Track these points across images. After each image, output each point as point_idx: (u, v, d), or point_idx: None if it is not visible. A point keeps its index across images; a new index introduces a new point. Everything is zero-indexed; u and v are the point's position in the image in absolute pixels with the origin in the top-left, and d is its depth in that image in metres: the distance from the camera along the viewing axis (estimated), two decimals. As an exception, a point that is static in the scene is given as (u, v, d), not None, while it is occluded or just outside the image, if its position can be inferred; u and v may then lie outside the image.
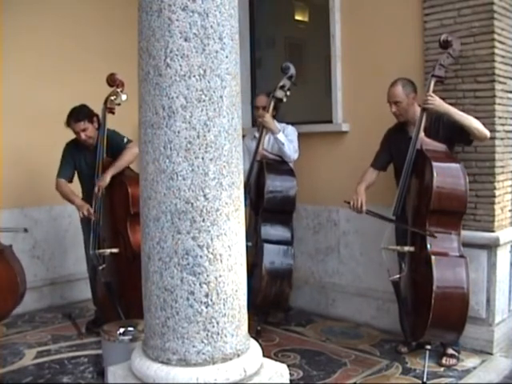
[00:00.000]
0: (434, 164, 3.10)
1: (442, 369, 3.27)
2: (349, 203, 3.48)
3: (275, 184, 3.93)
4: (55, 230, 4.81)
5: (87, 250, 3.90)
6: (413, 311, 3.31)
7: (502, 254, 3.53)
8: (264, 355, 2.06)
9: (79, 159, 3.94)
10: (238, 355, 1.91)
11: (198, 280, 1.83)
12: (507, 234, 3.58)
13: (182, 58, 1.81)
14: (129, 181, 3.68)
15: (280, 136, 4.01)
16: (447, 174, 3.13)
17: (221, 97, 1.85)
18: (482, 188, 3.49)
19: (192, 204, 1.83)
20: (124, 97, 3.80)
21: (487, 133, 3.21)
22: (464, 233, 3.26)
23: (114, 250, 3.72)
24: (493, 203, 3.48)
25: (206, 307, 1.84)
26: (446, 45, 3.31)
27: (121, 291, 3.67)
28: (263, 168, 3.96)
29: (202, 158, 1.83)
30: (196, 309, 1.84)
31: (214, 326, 1.85)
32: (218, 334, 1.86)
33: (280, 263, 3.91)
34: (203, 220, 1.83)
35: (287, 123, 4.20)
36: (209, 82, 1.82)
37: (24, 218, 4.57)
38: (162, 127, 1.84)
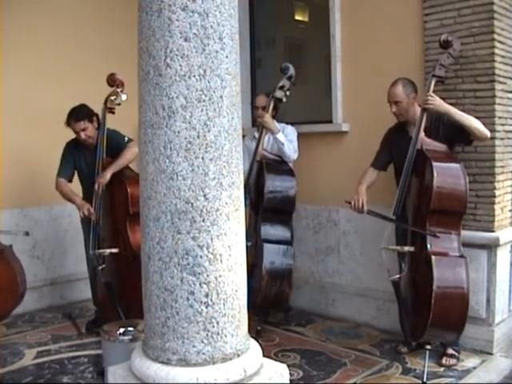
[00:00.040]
0: (435, 164, 3.10)
1: (442, 369, 3.27)
2: (350, 203, 3.48)
3: (275, 184, 3.93)
4: (55, 230, 4.81)
5: (87, 250, 3.90)
6: (413, 311, 3.31)
7: (501, 254, 3.53)
8: (264, 355, 2.06)
9: (79, 159, 3.94)
10: (238, 355, 1.91)
11: (198, 280, 1.83)
12: (507, 234, 3.57)
13: (181, 58, 1.81)
14: (128, 181, 3.68)
15: (280, 136, 4.01)
16: (447, 174, 3.13)
17: (221, 97, 1.85)
18: (482, 188, 3.49)
19: (192, 204, 1.82)
20: (124, 97, 3.80)
21: (487, 133, 3.21)
22: (464, 233, 3.26)
23: (114, 250, 3.72)
24: (493, 203, 3.48)
25: (206, 307, 1.84)
26: (446, 45, 3.31)
27: (121, 291, 3.67)
28: (263, 168, 3.96)
29: (202, 158, 1.83)
30: (196, 309, 1.84)
31: (214, 326, 1.85)
32: (218, 334, 1.86)
33: (280, 263, 3.91)
34: (203, 220, 1.83)
35: (287, 123, 4.20)
36: (209, 82, 1.82)
37: (24, 218, 4.58)
38: (162, 127, 1.84)
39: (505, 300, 3.61)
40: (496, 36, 3.40)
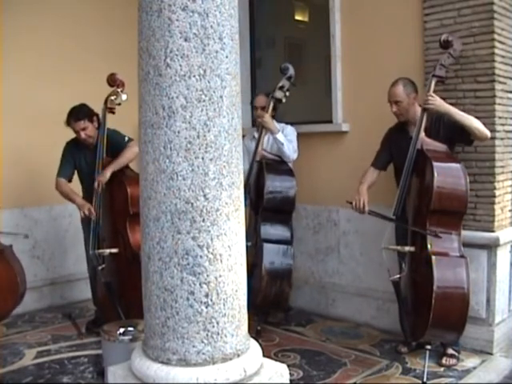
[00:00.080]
0: (435, 164, 3.10)
1: (442, 369, 3.27)
2: (351, 203, 3.47)
3: (275, 184, 3.93)
4: (55, 230, 4.81)
5: (87, 250, 3.90)
6: (413, 311, 3.31)
7: (501, 254, 3.53)
8: (264, 355, 2.06)
9: (79, 158, 3.94)
10: (238, 355, 1.91)
11: (198, 280, 1.83)
12: (507, 233, 3.57)
13: (182, 58, 1.81)
14: (128, 181, 3.68)
15: (279, 136, 4.01)
16: (448, 174, 3.13)
17: (221, 97, 1.85)
18: (482, 188, 3.49)
19: (192, 204, 1.82)
20: (124, 97, 3.80)
21: (488, 133, 3.21)
22: (464, 233, 3.26)
23: (114, 250, 3.72)
24: (493, 203, 3.48)
25: (206, 307, 1.84)
26: (446, 45, 3.31)
27: (121, 291, 3.67)
28: (263, 168, 3.96)
29: (202, 158, 1.83)
30: (196, 309, 1.84)
31: (214, 326, 1.85)
32: (218, 333, 1.86)
33: (280, 263, 3.91)
34: (203, 220, 1.83)
35: (287, 123, 4.20)
36: (209, 82, 1.82)
37: (24, 218, 4.58)
38: (162, 127, 1.84)
39: (505, 300, 3.61)
40: (496, 36, 3.40)
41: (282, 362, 2.10)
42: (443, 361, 3.32)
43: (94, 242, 3.79)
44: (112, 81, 3.82)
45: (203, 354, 1.84)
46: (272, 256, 3.89)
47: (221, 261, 1.85)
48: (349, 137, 4.29)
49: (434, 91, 3.30)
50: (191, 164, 1.82)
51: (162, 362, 1.87)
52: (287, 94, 4.01)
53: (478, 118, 3.25)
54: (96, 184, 3.70)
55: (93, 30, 4.88)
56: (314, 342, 3.82)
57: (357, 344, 3.75)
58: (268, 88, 4.27)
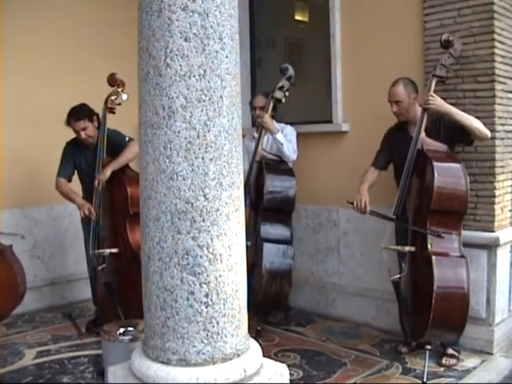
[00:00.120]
0: (435, 164, 3.10)
1: (442, 369, 3.27)
2: (352, 204, 3.47)
3: (274, 184, 3.93)
4: (55, 230, 4.81)
5: (87, 249, 3.90)
6: (413, 311, 3.31)
7: (501, 254, 3.53)
8: (264, 355, 2.06)
9: (79, 158, 3.94)
10: (238, 355, 1.91)
11: (198, 280, 1.83)
12: (507, 233, 3.57)
13: (182, 58, 1.81)
14: (128, 181, 3.68)
15: (279, 136, 4.01)
16: (448, 174, 3.13)
17: (221, 97, 1.85)
18: (482, 188, 3.49)
19: (192, 204, 1.82)
20: (124, 96, 3.80)
21: (488, 133, 3.21)
22: (464, 233, 3.26)
23: (114, 250, 3.72)
24: (493, 203, 3.48)
25: (206, 307, 1.84)
26: (447, 45, 3.31)
27: (121, 291, 3.67)
28: (262, 168, 3.96)
29: (202, 158, 1.83)
30: (196, 309, 1.84)
31: (214, 326, 1.85)
32: (218, 334, 1.86)
33: (280, 263, 3.91)
34: (203, 220, 1.83)
35: (287, 123, 4.20)
36: (209, 82, 1.82)
37: (24, 218, 4.58)
38: (162, 127, 1.84)
39: (505, 300, 3.61)
40: (496, 36, 3.40)
41: (282, 362, 2.10)
42: (443, 361, 3.32)
43: (94, 241, 3.79)
44: (112, 81, 3.82)
45: (203, 353, 1.84)
46: (272, 256, 3.89)
47: (221, 261, 1.85)
48: (349, 137, 4.29)
49: (435, 91, 3.30)
50: (191, 164, 1.82)
51: (162, 362, 1.87)
52: (287, 94, 4.01)
53: (478, 117, 3.25)
54: (96, 182, 3.70)
55: (93, 30, 4.88)
56: (314, 342, 3.82)
57: (357, 344, 3.75)
58: (268, 88, 4.27)
